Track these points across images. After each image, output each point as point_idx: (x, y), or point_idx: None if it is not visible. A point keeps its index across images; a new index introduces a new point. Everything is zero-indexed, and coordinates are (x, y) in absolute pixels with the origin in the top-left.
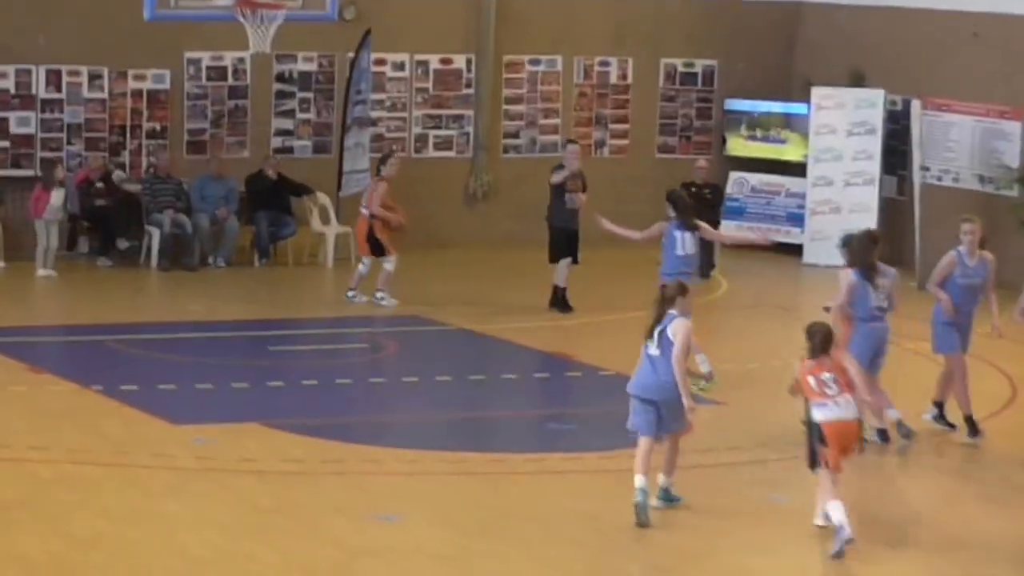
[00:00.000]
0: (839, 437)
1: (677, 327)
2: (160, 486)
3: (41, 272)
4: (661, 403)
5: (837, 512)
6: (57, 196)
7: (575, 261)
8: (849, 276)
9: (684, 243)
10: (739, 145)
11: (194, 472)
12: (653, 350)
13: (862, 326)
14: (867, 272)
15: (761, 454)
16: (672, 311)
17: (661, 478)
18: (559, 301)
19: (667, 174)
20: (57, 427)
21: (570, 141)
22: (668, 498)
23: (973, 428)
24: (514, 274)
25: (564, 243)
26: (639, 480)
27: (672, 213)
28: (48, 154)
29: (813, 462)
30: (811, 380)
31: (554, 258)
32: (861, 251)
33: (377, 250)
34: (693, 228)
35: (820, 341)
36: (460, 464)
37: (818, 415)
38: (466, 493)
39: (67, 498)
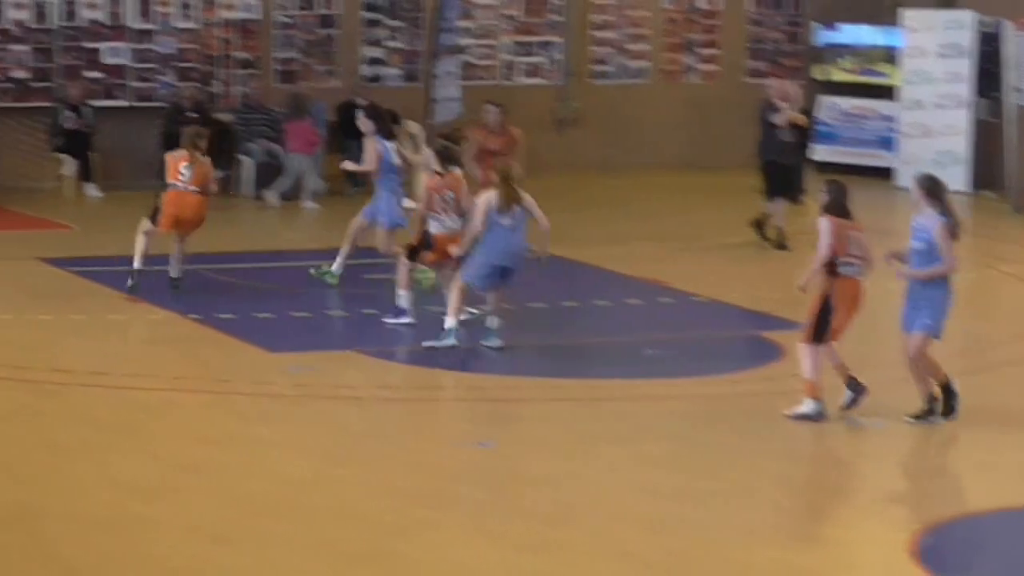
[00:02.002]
0: None
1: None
2: (257, 413)
3: (308, 204)
4: (511, 268)
5: None
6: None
7: (794, 200)
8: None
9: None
10: (830, 71)
11: (291, 399)
12: (508, 221)
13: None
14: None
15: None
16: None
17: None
18: (765, 231)
19: (756, 100)
20: (155, 355)
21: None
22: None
23: None
24: (603, 200)
25: (779, 179)
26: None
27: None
28: (140, 84)
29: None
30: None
31: (770, 194)
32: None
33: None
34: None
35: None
36: (555, 390)
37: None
38: (561, 418)
39: (165, 424)
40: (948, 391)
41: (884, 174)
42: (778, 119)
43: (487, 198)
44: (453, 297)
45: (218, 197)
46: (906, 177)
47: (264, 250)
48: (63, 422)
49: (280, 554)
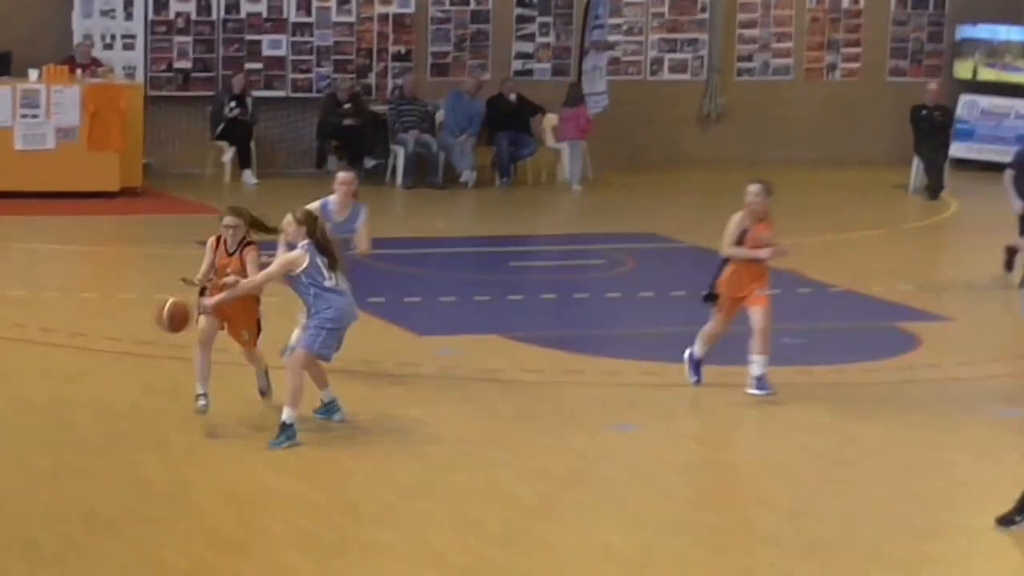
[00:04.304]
0: None
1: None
2: (404, 394)
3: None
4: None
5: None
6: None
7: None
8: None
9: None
10: (971, 69)
11: (437, 381)
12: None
13: None
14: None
15: (992, 369)
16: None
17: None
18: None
19: (898, 97)
20: None
21: None
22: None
23: None
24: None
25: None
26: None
27: None
28: (298, 76)
29: None
30: None
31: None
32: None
33: None
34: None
35: None
36: None
37: None
38: (699, 404)
39: (314, 405)
40: None
41: None
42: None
43: None
44: None
45: (371, 185)
46: None
47: (414, 237)
48: (219, 401)
49: (426, 532)
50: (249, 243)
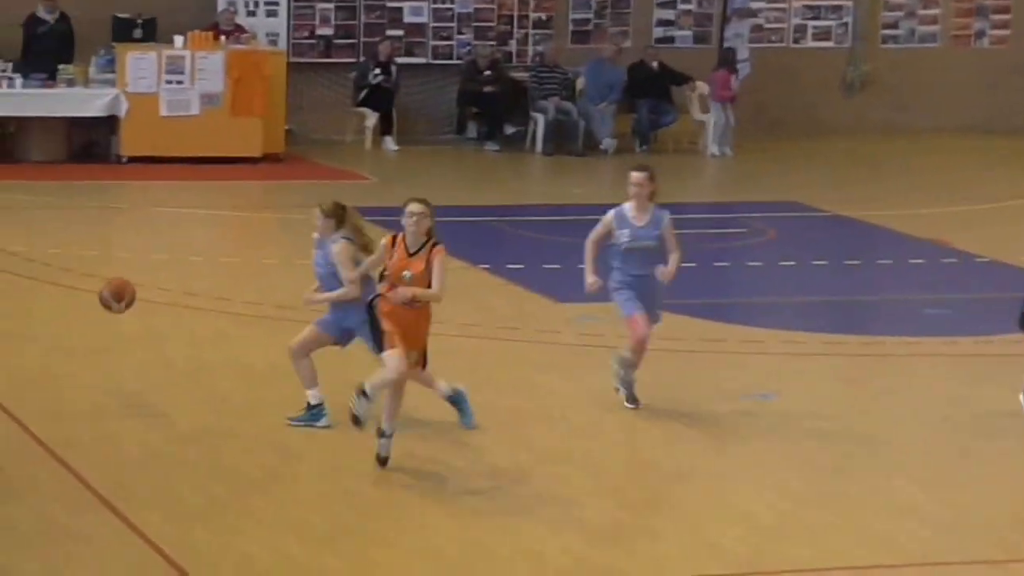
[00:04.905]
0: None
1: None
2: (543, 360)
3: (714, 150)
4: None
5: None
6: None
7: None
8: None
9: None
10: None
11: (576, 348)
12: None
13: None
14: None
15: None
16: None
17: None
18: None
19: None
20: (448, 302)
21: None
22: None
23: None
24: (889, 163)
25: None
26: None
27: None
28: (439, 42)
29: None
30: None
31: None
32: None
33: None
34: None
35: None
36: (837, 345)
37: None
38: (839, 373)
39: (452, 369)
40: None
41: None
42: None
43: None
44: None
45: (511, 152)
46: None
47: (553, 204)
48: (362, 364)
49: (565, 496)
50: (436, 243)
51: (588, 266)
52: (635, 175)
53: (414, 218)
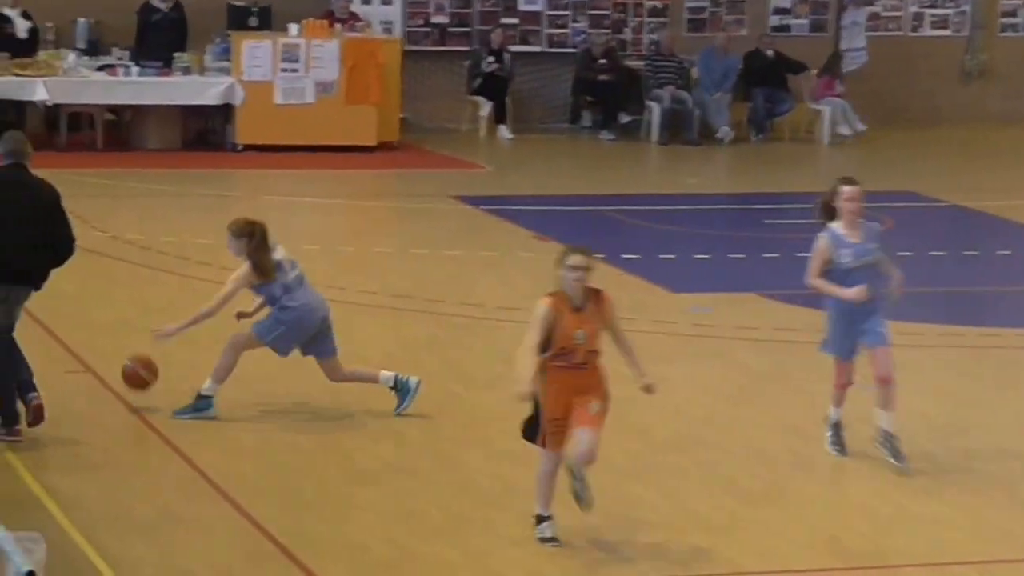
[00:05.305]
0: None
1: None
2: (659, 350)
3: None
4: None
5: None
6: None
7: None
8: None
9: None
10: None
11: (691, 338)
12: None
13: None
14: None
15: None
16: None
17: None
18: None
19: None
20: None
21: None
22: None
23: None
24: (1007, 152)
25: None
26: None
27: None
28: (554, 31)
29: None
30: None
31: None
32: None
33: None
34: None
35: None
36: (954, 337)
37: None
38: (955, 365)
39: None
40: None
41: None
42: None
43: None
44: None
45: (626, 141)
46: None
47: (669, 193)
48: (475, 355)
49: (680, 488)
50: (598, 290)
51: (835, 290)
52: (848, 189)
53: (578, 272)
